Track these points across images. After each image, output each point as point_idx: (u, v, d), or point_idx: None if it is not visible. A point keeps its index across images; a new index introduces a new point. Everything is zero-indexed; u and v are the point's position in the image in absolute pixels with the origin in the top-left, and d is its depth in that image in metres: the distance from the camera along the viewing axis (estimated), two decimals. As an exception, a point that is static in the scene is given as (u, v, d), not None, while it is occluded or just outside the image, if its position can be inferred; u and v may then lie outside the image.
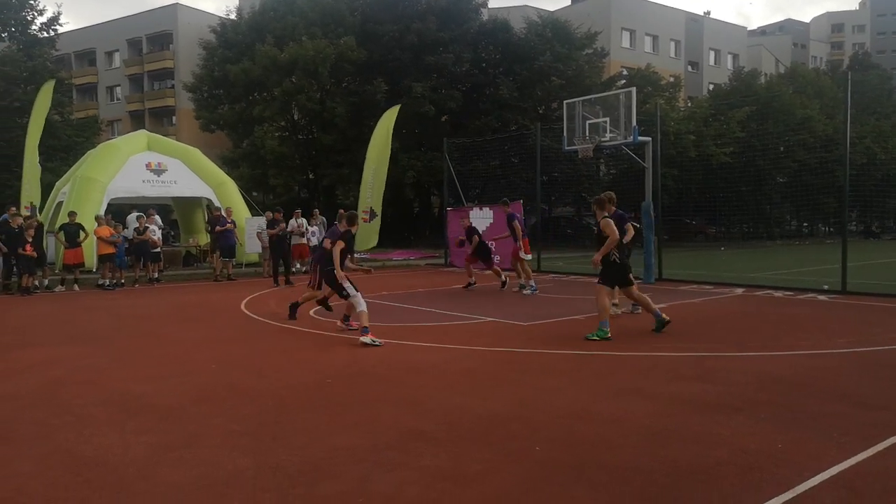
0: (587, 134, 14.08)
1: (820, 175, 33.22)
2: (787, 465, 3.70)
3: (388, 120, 21.58)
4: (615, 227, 7.65)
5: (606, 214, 7.94)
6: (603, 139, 13.86)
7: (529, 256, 13.33)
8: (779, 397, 5.06)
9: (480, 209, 19.15)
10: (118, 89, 52.35)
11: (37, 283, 13.54)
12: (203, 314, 10.38)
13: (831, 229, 48.42)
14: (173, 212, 23.58)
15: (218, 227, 15.59)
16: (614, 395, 5.19)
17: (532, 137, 20.86)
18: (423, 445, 4.09)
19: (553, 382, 5.66)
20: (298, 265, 17.77)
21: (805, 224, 48.42)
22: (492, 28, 34.41)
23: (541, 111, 33.97)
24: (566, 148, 14.85)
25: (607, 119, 13.79)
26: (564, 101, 15.46)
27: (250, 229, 17.57)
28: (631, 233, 8.79)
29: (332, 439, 4.22)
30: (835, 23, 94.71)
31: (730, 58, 59.69)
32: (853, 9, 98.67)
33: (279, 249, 15.02)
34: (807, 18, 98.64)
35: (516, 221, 13.01)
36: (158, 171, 17.92)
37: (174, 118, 49.15)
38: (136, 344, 7.85)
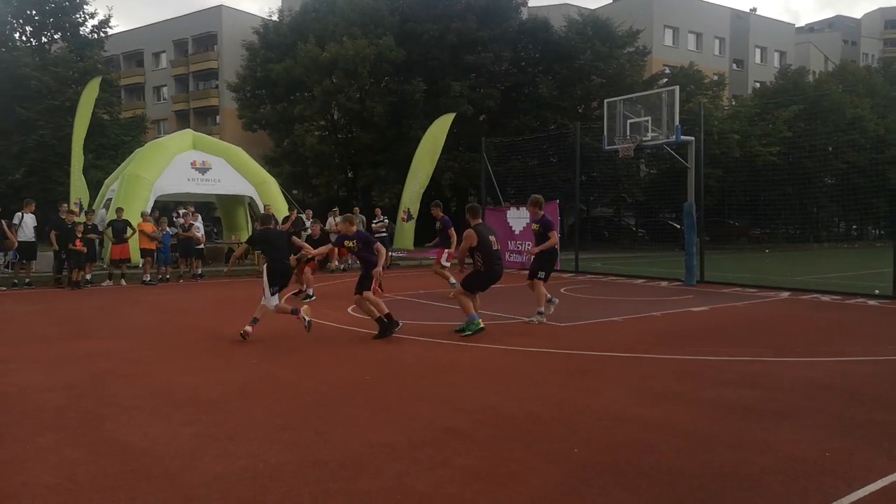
0: (628, 133, 13.92)
1: (870, 176, 32.16)
2: (835, 474, 3.60)
3: (441, 126, 21.63)
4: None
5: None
6: (644, 139, 13.69)
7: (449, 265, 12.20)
8: (826, 405, 4.92)
9: (518, 209, 19.07)
10: (164, 89, 53.76)
11: (87, 276, 13.99)
12: (244, 309, 10.55)
13: (882, 232, 46.78)
14: (216, 209, 24.10)
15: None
16: (655, 399, 5.12)
17: (571, 136, 20.70)
18: (460, 444, 4.10)
19: (591, 384, 5.61)
20: (337, 263, 18.07)
21: (854, 227, 46.87)
22: (532, 27, 34.25)
23: (580, 110, 33.67)
24: (606, 147, 14.70)
25: (649, 118, 13.61)
26: (605, 101, 15.30)
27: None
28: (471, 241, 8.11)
29: (370, 435, 4.26)
30: (888, 18, 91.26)
31: (776, 55, 58.17)
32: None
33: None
34: (858, 14, 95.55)
35: (451, 230, 11.85)
36: (203, 170, 18.32)
37: (218, 118, 50.21)
38: (181, 338, 8.05)
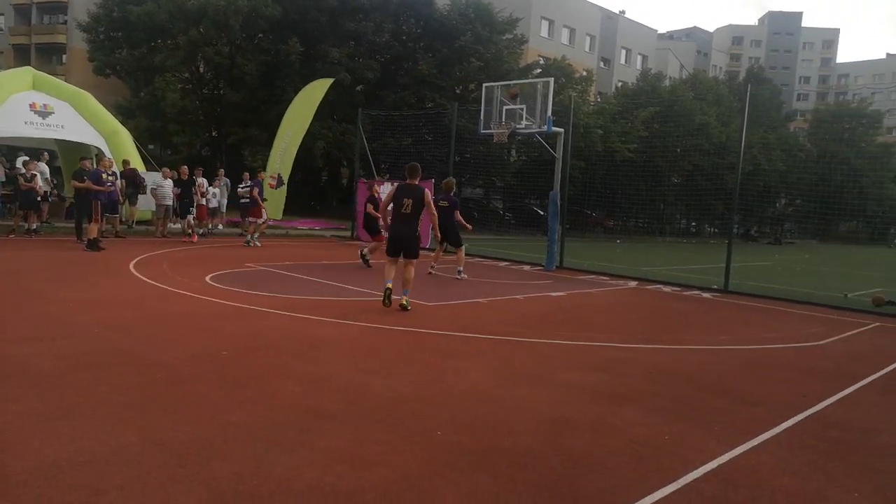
0: (503, 119, 14.20)
1: (711, 179, 35.35)
2: (673, 456, 3.90)
3: (316, 91, 20.85)
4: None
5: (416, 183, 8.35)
6: (519, 126, 14.04)
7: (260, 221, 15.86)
8: (667, 390, 5.33)
9: (392, 184, 18.95)
10: (2, 19, 47.56)
11: None
12: (87, 273, 9.66)
13: (716, 230, 51.89)
14: (57, 159, 21.77)
15: (95, 186, 13.14)
16: (516, 380, 5.28)
17: (448, 116, 20.82)
18: (324, 425, 3.99)
19: (456, 364, 5.69)
20: (210, 226, 17.39)
21: (693, 224, 51.56)
22: (415, 1, 33.95)
23: (458, 91, 34.03)
24: (482, 131, 14.93)
25: (524, 106, 13.97)
26: (483, 85, 15.51)
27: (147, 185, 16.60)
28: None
29: (226, 416, 4.03)
30: (735, 35, 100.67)
31: (639, 58, 62.14)
32: (753, 24, 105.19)
33: (85, 204, 13.21)
34: (712, 28, 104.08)
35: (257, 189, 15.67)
36: (44, 114, 16.42)
37: (64, 57, 45.31)
38: (10, 301, 7.19)
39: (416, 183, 8.29)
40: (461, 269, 12.12)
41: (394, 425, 4.07)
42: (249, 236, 15.64)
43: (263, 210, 15.90)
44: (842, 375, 6.28)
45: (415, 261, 8.36)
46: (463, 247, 12.35)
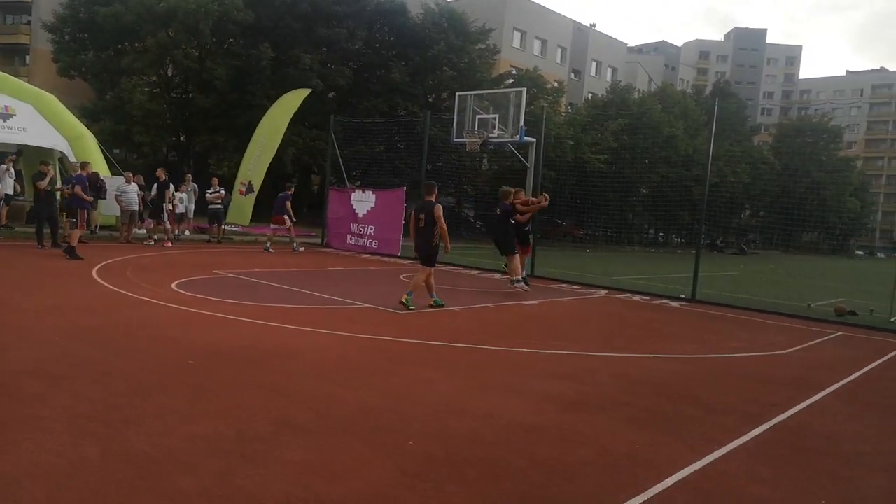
0: (476, 128, 14.25)
1: (678, 189, 35.95)
2: (645, 465, 3.91)
3: (292, 101, 20.68)
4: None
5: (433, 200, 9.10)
6: (491, 135, 14.10)
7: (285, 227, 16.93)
8: (638, 399, 5.36)
9: (363, 192, 18.89)
10: (-39, 17, 46.35)
11: None
12: (47, 279, 9.38)
13: (683, 240, 52.78)
14: (18, 161, 21.17)
15: (66, 190, 13.60)
16: (488, 390, 5.25)
17: (420, 125, 20.83)
18: (291, 437, 3.91)
19: (427, 374, 5.64)
20: (177, 232, 17.35)
21: (661, 234, 52.38)
22: (389, 9, 34.01)
23: (430, 99, 34.10)
24: (454, 140, 14.96)
25: (496, 116, 14.03)
26: (457, 94, 15.56)
27: (109, 189, 16.25)
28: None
29: (191, 427, 3.92)
30: (702, 50, 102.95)
31: (609, 70, 63.08)
32: (719, 39, 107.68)
33: (46, 207, 13.32)
34: (679, 43, 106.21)
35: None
36: (5, 116, 15.99)
37: (27, 58, 44.22)
38: (-37, 308, 6.93)
39: (432, 199, 9.10)
40: (517, 278, 12.01)
41: (363, 436, 4.01)
42: (293, 242, 17.23)
43: (287, 218, 16.83)
44: (806, 384, 6.39)
45: (429, 269, 9.23)
46: (514, 255, 12.06)
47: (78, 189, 12.67)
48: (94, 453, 3.43)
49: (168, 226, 16.05)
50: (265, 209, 25.98)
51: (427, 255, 9.18)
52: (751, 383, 6.28)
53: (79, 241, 14.37)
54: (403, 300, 8.84)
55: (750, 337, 9.14)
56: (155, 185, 15.83)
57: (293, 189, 17.88)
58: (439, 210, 9.00)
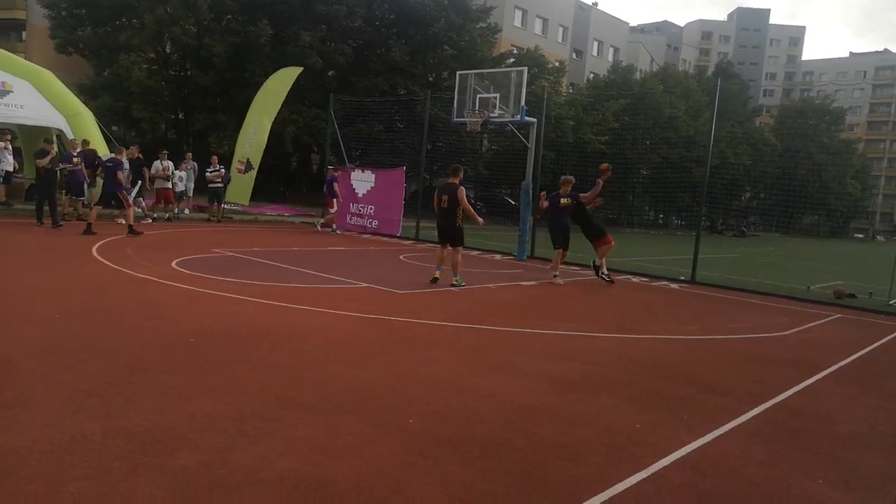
0: (477, 107, 14.15)
1: (679, 171, 35.82)
2: (644, 444, 3.93)
3: (286, 77, 20.49)
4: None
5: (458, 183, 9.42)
6: (492, 115, 14.01)
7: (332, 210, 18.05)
8: (638, 379, 5.38)
9: (363, 171, 18.81)
10: (-45, -8, 45.70)
11: None
12: (48, 258, 9.38)
13: (683, 222, 52.73)
14: (16, 139, 21.04)
15: (64, 166, 13.66)
16: (490, 370, 5.27)
17: (421, 104, 20.69)
18: (293, 415, 3.92)
19: (429, 354, 5.66)
20: (176, 211, 17.23)
21: (661, 216, 52.30)
22: (388, -14, 33.55)
23: (431, 79, 33.81)
24: (455, 119, 14.87)
25: (497, 95, 13.93)
26: (457, 73, 15.43)
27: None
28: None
29: (192, 404, 3.93)
30: (705, 30, 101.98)
31: (611, 50, 62.52)
32: (722, 19, 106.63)
33: (47, 185, 13.26)
34: (682, 22, 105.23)
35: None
36: (2, 92, 15.84)
37: (24, 34, 43.72)
38: (-37, 285, 6.93)
39: (456, 182, 9.38)
40: (601, 266, 11.86)
41: (366, 415, 4.03)
42: (332, 226, 18.02)
43: (335, 200, 17.74)
44: (804, 366, 6.41)
45: (460, 247, 9.63)
46: (604, 237, 11.91)
47: (119, 175, 12.98)
48: (95, 429, 3.44)
49: (143, 204, 16.04)
50: (265, 189, 25.91)
51: (454, 236, 9.55)
52: (750, 365, 6.30)
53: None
54: (454, 282, 9.47)
55: (749, 319, 9.16)
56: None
57: (338, 170, 18.46)
58: (463, 192, 9.35)
